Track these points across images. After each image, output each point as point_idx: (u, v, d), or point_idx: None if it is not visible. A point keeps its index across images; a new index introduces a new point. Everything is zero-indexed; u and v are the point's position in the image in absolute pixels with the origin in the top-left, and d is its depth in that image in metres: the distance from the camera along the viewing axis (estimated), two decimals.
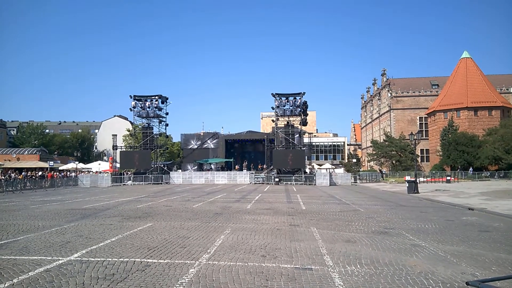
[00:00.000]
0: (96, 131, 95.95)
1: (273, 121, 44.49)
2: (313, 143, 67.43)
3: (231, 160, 49.21)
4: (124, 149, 48.59)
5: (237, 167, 47.58)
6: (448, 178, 38.20)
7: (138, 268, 6.42)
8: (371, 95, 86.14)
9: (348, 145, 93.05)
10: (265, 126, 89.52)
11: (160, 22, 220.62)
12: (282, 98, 43.17)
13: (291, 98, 43.15)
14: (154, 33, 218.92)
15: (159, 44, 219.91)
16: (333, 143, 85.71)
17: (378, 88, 79.77)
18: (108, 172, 46.63)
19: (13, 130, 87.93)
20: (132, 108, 44.73)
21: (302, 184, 38.61)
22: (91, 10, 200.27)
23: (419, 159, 61.41)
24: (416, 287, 5.49)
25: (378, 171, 56.27)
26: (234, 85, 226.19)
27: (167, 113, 46.62)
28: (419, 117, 67.19)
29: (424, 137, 62.22)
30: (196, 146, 54.28)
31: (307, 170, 46.42)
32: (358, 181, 44.85)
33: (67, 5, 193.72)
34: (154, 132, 46.38)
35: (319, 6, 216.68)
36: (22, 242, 8.71)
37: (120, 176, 42.16)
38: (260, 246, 8.18)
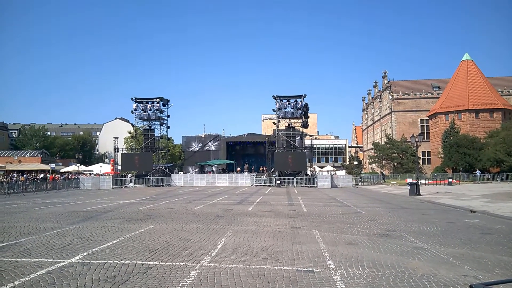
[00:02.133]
0: (98, 133, 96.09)
1: (274, 123, 44.50)
2: (314, 145, 67.32)
3: (232, 162, 49.20)
4: (126, 152, 48.68)
5: (238, 169, 47.56)
6: (450, 180, 38.13)
7: (140, 270, 6.41)
8: (372, 97, 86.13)
9: (349, 147, 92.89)
10: (266, 128, 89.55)
11: (161, 24, 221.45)
12: (283, 100, 43.21)
13: (292, 101, 43.17)
14: (155, 35, 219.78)
15: (161, 46, 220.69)
16: (334, 145, 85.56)
17: (379, 91, 79.72)
18: (109, 175, 46.70)
19: (15, 132, 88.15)
20: (134, 111, 44.86)
21: (303, 186, 38.60)
22: (93, 11, 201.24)
23: (420, 161, 61.29)
24: None
25: (380, 173, 56.18)
26: (235, 88, 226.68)
27: (168, 116, 46.74)
28: (420, 120, 67.09)
29: (425, 139, 62.14)
30: (197, 149, 54.26)
31: (309, 172, 46.32)
32: (359, 183, 44.84)
33: (69, 6, 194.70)
34: (155, 135, 46.50)
35: (320, 8, 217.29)
36: (23, 244, 8.72)
37: (122, 178, 42.21)
38: (262, 248, 8.16)
